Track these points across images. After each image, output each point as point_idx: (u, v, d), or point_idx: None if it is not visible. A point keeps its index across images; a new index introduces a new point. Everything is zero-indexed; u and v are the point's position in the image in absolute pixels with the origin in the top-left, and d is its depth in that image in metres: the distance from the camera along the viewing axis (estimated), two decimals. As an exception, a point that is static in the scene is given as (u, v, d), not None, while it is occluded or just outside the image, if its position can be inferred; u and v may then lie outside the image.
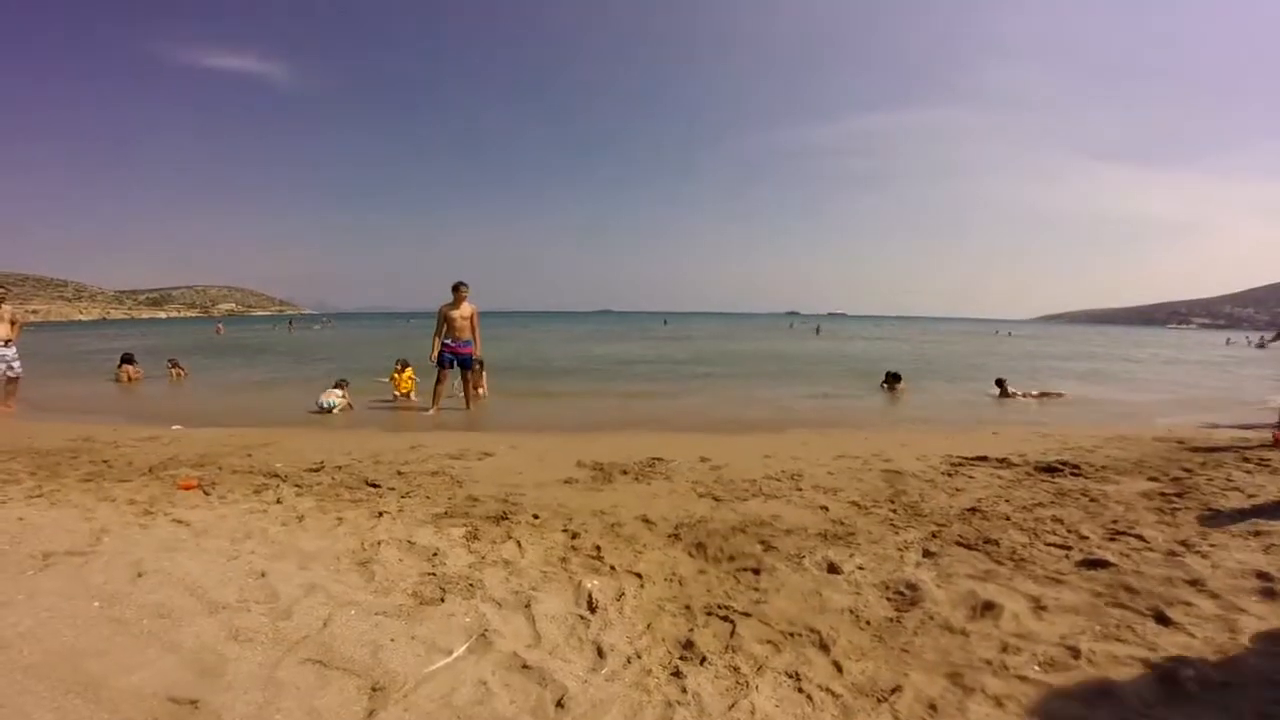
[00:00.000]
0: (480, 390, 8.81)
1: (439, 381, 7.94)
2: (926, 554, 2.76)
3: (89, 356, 18.53)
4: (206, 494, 3.55)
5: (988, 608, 2.21)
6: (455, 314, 7.85)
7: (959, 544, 2.88)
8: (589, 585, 2.37)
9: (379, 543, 2.78)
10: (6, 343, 8.08)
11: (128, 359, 12.17)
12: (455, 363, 7.96)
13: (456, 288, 7.87)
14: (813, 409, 8.99)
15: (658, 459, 4.67)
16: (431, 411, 7.85)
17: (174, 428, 6.32)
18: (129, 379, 11.67)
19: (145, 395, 10.32)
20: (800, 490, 3.87)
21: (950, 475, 4.29)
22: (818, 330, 44.96)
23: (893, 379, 11.18)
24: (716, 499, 3.66)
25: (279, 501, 3.43)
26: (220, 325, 48.53)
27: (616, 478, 4.17)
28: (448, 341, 7.87)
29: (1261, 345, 8.36)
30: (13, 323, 8.30)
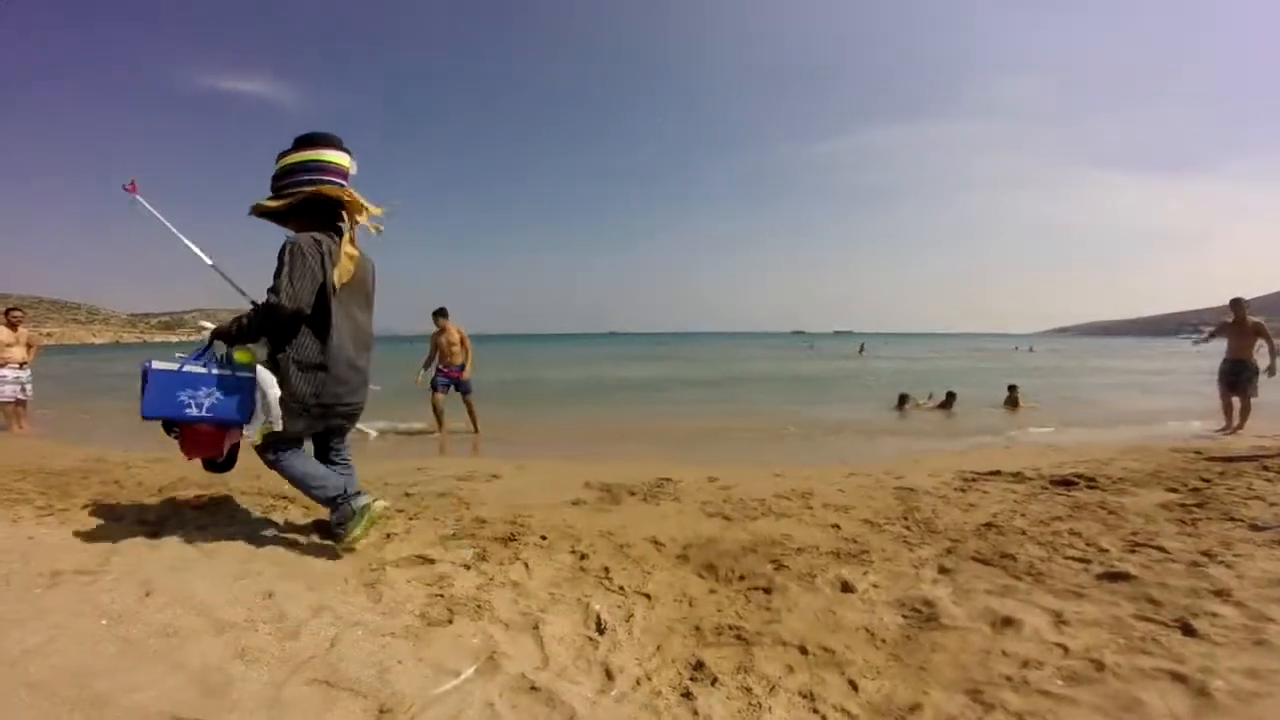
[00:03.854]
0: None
1: (435, 404, 7.95)
2: (942, 570, 2.71)
3: (109, 380, 18.70)
4: (212, 514, 3.54)
5: (1007, 623, 2.16)
6: (444, 339, 7.92)
7: (975, 559, 2.84)
8: (597, 607, 2.34)
9: (386, 564, 2.76)
10: (22, 365, 8.18)
11: None
12: (452, 386, 7.97)
13: (436, 315, 7.93)
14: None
15: (666, 479, 4.63)
16: (438, 434, 7.86)
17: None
18: None
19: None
20: (811, 509, 3.82)
21: (963, 491, 4.24)
22: (861, 349, 38.18)
23: (950, 397, 10.72)
24: (726, 519, 3.62)
25: (287, 523, 3.41)
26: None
27: (624, 499, 4.13)
28: (441, 367, 7.93)
29: (1195, 343, 8.59)
30: (29, 345, 8.41)
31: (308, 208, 2.83)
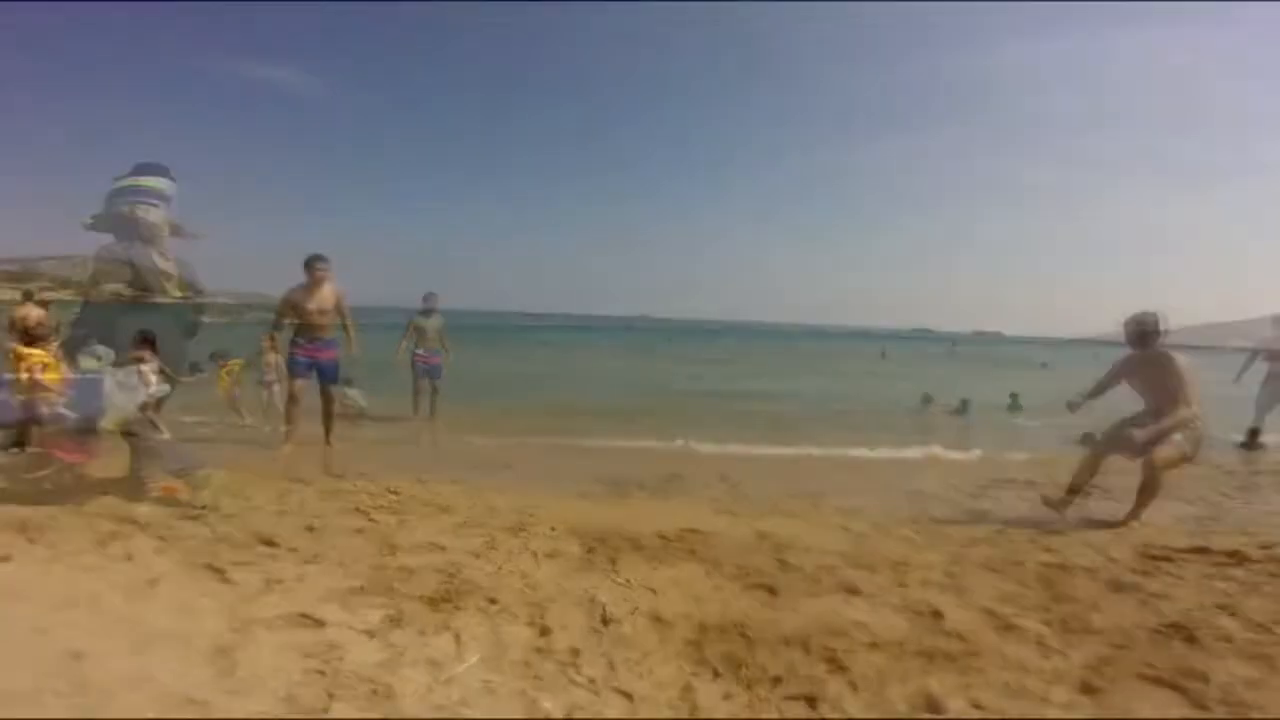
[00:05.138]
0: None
1: (417, 391, 7.90)
2: (949, 576, 2.70)
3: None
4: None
5: (1009, 629, 2.15)
6: (427, 324, 7.87)
7: (983, 567, 2.82)
8: (603, 599, 2.31)
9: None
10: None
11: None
12: (425, 372, 7.92)
13: (428, 296, 7.93)
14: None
15: (676, 475, 4.59)
16: (414, 419, 7.79)
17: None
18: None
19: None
20: (819, 509, 3.81)
21: (977, 497, 4.21)
22: (883, 354, 33.67)
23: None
24: (734, 515, 3.59)
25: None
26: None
27: (634, 493, 4.10)
28: (419, 351, 7.86)
29: (1237, 378, 8.06)
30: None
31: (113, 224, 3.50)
